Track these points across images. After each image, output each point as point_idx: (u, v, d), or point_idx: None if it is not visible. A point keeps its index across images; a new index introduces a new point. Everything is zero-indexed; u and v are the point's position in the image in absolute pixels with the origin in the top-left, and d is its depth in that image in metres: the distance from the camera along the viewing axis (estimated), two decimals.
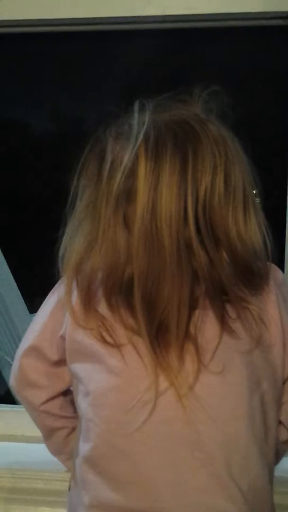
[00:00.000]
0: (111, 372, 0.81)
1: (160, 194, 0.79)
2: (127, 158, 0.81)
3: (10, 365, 2.45)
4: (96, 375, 0.83)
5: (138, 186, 0.80)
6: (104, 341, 0.82)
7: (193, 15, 1.27)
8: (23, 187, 2.30)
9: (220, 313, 0.80)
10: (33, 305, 2.44)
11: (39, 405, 0.95)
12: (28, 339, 0.95)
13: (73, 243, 0.86)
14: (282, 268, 1.31)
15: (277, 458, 0.92)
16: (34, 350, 0.93)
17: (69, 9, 1.29)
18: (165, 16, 1.28)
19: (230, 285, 0.80)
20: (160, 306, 0.79)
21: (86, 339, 0.84)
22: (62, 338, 0.89)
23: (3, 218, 2.13)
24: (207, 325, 0.81)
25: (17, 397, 0.99)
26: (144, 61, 1.54)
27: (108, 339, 0.82)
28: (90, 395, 0.83)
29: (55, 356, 0.91)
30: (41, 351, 0.92)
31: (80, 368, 0.86)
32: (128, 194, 0.81)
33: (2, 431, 1.37)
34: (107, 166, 0.83)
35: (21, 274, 2.36)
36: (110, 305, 0.82)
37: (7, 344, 2.38)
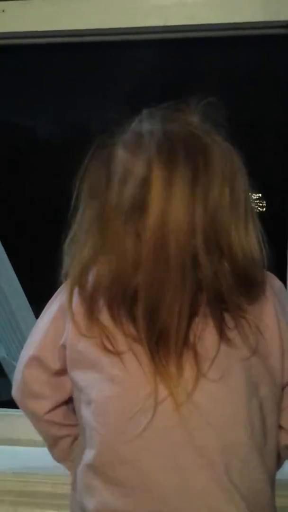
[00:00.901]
0: (112, 380, 0.82)
1: (172, 205, 0.79)
2: (139, 168, 0.81)
3: None
4: (98, 384, 0.84)
5: (151, 196, 0.80)
6: (105, 349, 0.82)
7: (194, 25, 1.29)
8: (29, 192, 2.32)
9: (218, 322, 0.81)
10: (40, 311, 2.45)
11: (43, 415, 0.95)
12: (29, 349, 0.95)
13: (78, 251, 0.86)
14: (285, 273, 1.32)
15: (279, 462, 0.93)
16: (36, 361, 0.93)
17: (71, 20, 1.31)
18: (166, 26, 1.30)
19: (230, 294, 0.81)
20: (161, 314, 0.79)
21: (88, 348, 0.84)
22: (63, 346, 0.89)
23: (9, 224, 2.15)
24: (206, 334, 0.81)
25: (21, 408, 0.99)
26: (145, 71, 1.55)
27: (109, 346, 0.82)
28: (93, 404, 0.84)
29: (57, 366, 0.91)
30: (43, 361, 0.92)
31: (82, 376, 0.86)
32: (140, 204, 0.80)
33: (9, 435, 1.38)
34: (117, 175, 0.83)
35: (28, 280, 2.37)
36: (112, 313, 0.83)
37: (14, 349, 2.39)
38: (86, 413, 0.86)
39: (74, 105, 1.66)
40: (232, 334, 0.82)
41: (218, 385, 0.81)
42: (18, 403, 0.99)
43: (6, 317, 2.43)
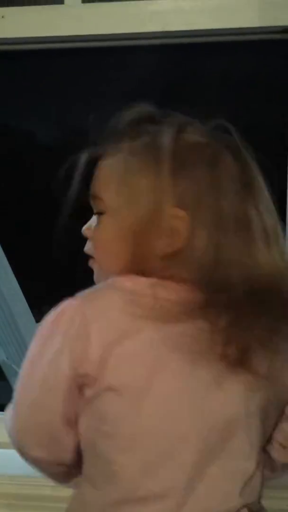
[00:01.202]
0: None
1: None
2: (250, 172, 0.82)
3: (17, 373, 2.47)
4: None
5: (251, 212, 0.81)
6: None
7: (193, 30, 1.31)
8: (29, 196, 2.33)
9: None
10: (40, 315, 2.46)
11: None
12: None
13: None
14: None
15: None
16: None
17: (70, 26, 1.32)
18: (165, 32, 1.31)
19: None
20: None
21: None
22: None
23: (9, 228, 2.16)
24: None
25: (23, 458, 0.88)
26: (145, 76, 1.57)
27: None
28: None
29: None
30: None
31: None
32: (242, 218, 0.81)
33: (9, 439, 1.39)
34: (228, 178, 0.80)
35: (28, 283, 2.38)
36: None
37: (15, 353, 2.40)
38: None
39: (74, 110, 1.67)
40: None
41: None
42: (18, 453, 0.87)
43: (6, 320, 2.44)
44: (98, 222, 0.85)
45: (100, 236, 0.85)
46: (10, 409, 0.88)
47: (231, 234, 0.79)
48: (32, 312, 2.43)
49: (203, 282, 0.78)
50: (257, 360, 0.78)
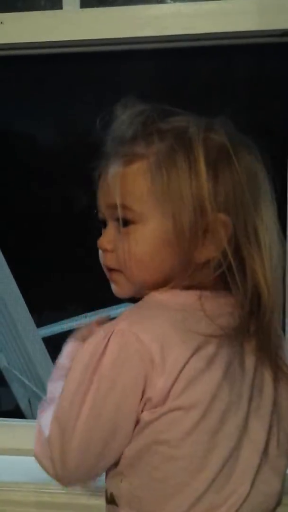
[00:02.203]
0: None
1: None
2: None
3: (18, 379, 2.47)
4: None
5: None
6: None
7: (191, 34, 1.30)
8: (31, 201, 2.32)
9: None
10: (41, 320, 2.46)
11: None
12: None
13: None
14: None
15: None
16: None
17: (69, 31, 1.32)
18: (164, 36, 1.31)
19: None
20: None
21: None
22: None
23: (10, 232, 2.16)
24: None
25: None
26: (142, 80, 1.57)
27: None
28: None
29: None
30: None
31: None
32: None
33: (10, 445, 1.38)
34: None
35: (28, 288, 2.38)
36: None
37: (16, 358, 2.39)
38: None
39: (72, 113, 1.67)
40: None
41: None
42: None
43: (7, 326, 2.43)
44: (126, 233, 0.80)
45: (133, 248, 0.79)
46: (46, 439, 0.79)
47: (253, 243, 0.78)
48: (33, 317, 2.43)
49: (240, 294, 0.77)
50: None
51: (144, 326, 0.75)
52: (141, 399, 0.74)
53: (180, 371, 0.73)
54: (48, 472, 0.80)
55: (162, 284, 0.80)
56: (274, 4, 1.26)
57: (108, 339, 0.74)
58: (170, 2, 1.46)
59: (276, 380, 0.83)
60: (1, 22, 1.33)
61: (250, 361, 0.80)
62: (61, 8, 1.33)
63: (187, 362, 0.74)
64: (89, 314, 2.29)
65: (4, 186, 2.09)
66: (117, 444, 0.77)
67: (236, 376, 0.78)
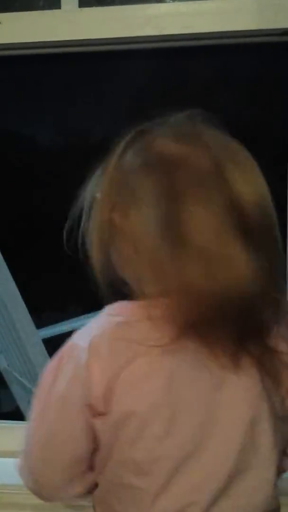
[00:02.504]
0: None
1: None
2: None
3: (18, 381, 2.47)
4: None
5: None
6: None
7: (190, 34, 1.30)
8: (30, 202, 2.32)
9: None
10: (40, 321, 2.45)
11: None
12: None
13: None
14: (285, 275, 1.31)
15: None
16: None
17: (68, 31, 1.32)
18: (163, 36, 1.30)
19: None
20: None
21: None
22: None
23: (9, 233, 2.15)
24: None
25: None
26: (142, 79, 1.56)
27: None
28: None
29: None
30: None
31: None
32: None
33: (10, 447, 1.38)
34: None
35: (28, 289, 2.38)
36: None
37: (15, 360, 2.39)
38: None
39: (72, 113, 1.67)
40: None
41: None
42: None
43: (7, 328, 2.43)
44: None
45: None
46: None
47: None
48: (32, 318, 2.42)
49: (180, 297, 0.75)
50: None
51: (83, 335, 0.80)
52: (85, 404, 0.77)
53: (112, 381, 0.76)
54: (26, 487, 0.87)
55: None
56: (274, 3, 1.25)
57: (61, 350, 0.82)
58: (169, 2, 1.46)
59: (262, 376, 0.79)
60: (0, 22, 1.32)
61: (215, 363, 0.77)
62: (59, 7, 1.33)
63: (119, 373, 0.76)
64: (89, 315, 2.29)
65: (2, 186, 2.08)
66: (73, 447, 0.80)
67: (187, 381, 0.77)
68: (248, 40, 1.32)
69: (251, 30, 1.28)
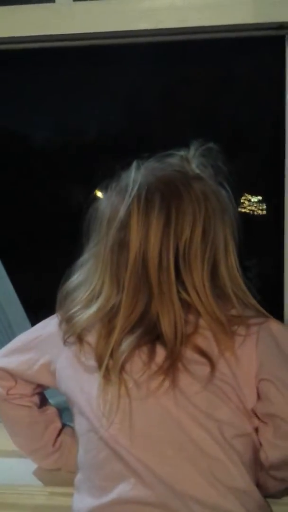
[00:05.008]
0: None
1: (149, 244, 0.94)
2: (122, 212, 0.97)
3: None
4: None
5: (130, 237, 0.95)
6: None
7: (185, 28, 1.29)
8: (25, 199, 2.31)
9: None
10: (37, 320, 2.43)
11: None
12: None
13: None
14: (282, 275, 1.30)
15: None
16: None
17: (62, 25, 1.31)
18: (158, 29, 1.29)
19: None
20: None
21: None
22: None
23: (5, 232, 2.14)
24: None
25: None
26: (138, 74, 1.55)
27: None
28: None
29: None
30: None
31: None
32: (122, 242, 0.97)
33: (10, 448, 1.36)
34: (106, 218, 0.99)
35: (24, 289, 2.36)
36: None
37: None
38: None
39: (67, 108, 1.66)
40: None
41: None
42: None
43: (2, 327, 2.41)
44: None
45: None
46: None
47: None
48: (28, 318, 2.41)
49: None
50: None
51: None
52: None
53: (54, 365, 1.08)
54: None
55: None
56: None
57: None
58: None
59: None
60: None
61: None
62: (53, 1, 1.31)
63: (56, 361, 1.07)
64: None
65: None
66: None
67: (92, 370, 0.99)
68: (244, 34, 1.31)
69: (247, 24, 1.27)
